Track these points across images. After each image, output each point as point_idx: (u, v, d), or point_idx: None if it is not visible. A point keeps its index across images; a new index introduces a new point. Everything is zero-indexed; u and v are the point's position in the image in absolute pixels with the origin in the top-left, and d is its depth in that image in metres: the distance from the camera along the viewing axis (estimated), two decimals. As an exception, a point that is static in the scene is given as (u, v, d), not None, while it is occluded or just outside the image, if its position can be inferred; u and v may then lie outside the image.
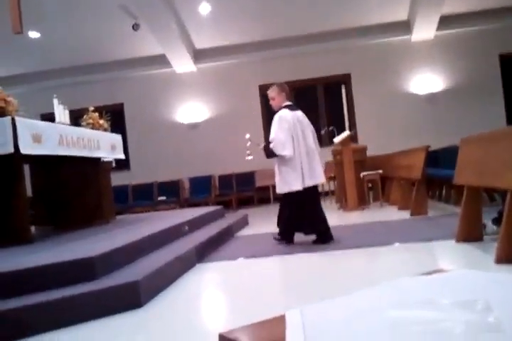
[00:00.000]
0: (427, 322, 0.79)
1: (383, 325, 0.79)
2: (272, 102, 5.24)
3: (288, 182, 5.01)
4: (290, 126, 4.97)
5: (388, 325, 0.79)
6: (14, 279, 3.08)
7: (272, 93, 5.20)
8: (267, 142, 5.15)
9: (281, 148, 4.93)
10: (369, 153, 9.12)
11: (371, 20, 11.52)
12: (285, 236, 5.28)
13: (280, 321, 0.91)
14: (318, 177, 5.10)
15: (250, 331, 0.95)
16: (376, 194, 9.01)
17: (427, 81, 11.86)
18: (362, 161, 8.69)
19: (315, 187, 5.18)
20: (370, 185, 9.33)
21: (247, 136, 5.36)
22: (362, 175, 8.37)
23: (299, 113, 5.18)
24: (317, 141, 5.29)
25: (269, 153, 5.06)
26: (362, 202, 8.31)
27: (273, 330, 0.91)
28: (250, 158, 5.35)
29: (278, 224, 5.45)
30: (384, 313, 0.83)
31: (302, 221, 5.11)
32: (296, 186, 4.97)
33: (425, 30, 11.44)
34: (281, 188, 5.11)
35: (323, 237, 5.09)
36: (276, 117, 5.05)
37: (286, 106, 5.15)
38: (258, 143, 5.30)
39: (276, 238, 5.37)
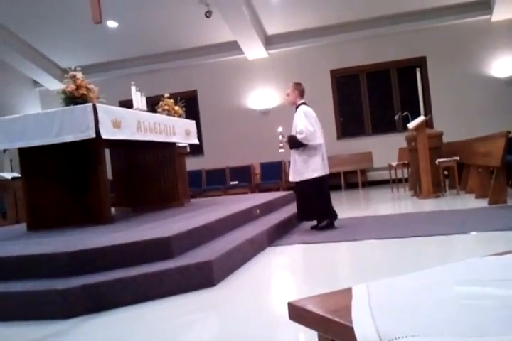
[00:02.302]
0: (496, 297, 0.79)
1: (449, 297, 0.81)
2: (286, 98, 5.83)
3: (313, 169, 5.43)
4: (316, 119, 5.53)
5: (455, 298, 0.80)
6: (97, 256, 3.28)
7: (288, 90, 5.74)
8: (290, 135, 5.56)
9: (313, 138, 5.40)
10: (445, 138, 8.82)
11: (446, 1, 11.02)
12: (326, 218, 5.58)
13: (347, 293, 0.95)
14: (327, 168, 5.62)
15: (317, 300, 1.00)
16: (452, 181, 8.73)
17: (508, 63, 11.24)
18: (437, 147, 8.42)
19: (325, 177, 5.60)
20: (446, 172, 9.04)
21: (280, 129, 5.73)
22: (437, 161, 8.13)
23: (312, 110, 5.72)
24: None
25: (296, 144, 5.49)
26: (437, 190, 8.07)
27: (339, 300, 0.95)
28: (282, 151, 5.76)
29: (302, 218, 5.73)
30: (451, 288, 0.84)
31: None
32: (320, 172, 5.45)
33: (506, 9, 10.76)
34: (302, 176, 5.47)
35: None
36: (301, 112, 5.50)
37: (305, 103, 5.63)
38: (284, 136, 5.62)
39: (319, 227, 5.58)
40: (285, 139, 5.59)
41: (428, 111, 10.87)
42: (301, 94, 5.69)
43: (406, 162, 9.43)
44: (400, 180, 10.25)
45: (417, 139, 8.07)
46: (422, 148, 7.97)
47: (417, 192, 8.33)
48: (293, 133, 5.55)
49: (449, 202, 7.33)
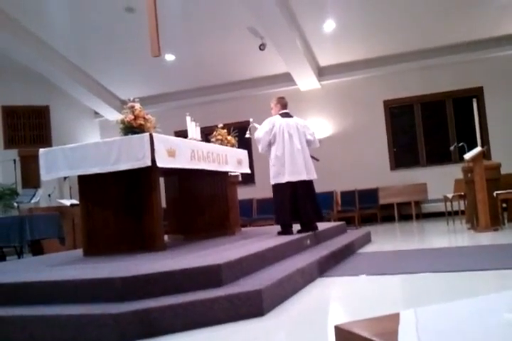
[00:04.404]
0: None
1: (499, 325, 0.79)
2: (271, 111, 6.30)
3: (273, 175, 5.89)
4: (276, 128, 5.90)
5: (505, 325, 0.78)
6: (148, 282, 3.33)
7: (271, 104, 6.33)
8: None
9: (258, 144, 6.02)
10: (504, 170, 8.54)
11: (504, 30, 10.84)
12: (285, 229, 5.86)
13: (394, 318, 0.94)
14: (301, 174, 5.87)
15: (364, 324, 0.99)
16: (511, 214, 8.40)
17: None
18: (495, 179, 8.16)
19: (296, 183, 5.89)
20: (504, 204, 8.72)
21: (251, 119, 6.67)
22: (495, 193, 7.87)
23: (291, 119, 6.12)
24: (305, 141, 6.09)
25: None
26: (495, 223, 7.78)
27: (386, 325, 0.94)
28: (248, 136, 6.64)
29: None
30: (501, 315, 0.82)
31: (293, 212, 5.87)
32: (280, 179, 5.83)
33: None
34: (271, 180, 5.96)
35: (306, 227, 5.94)
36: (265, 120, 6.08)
37: (281, 114, 6.12)
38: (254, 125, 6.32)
39: (278, 232, 5.92)
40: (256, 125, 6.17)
41: (485, 142, 10.58)
42: (283, 106, 6.21)
43: (462, 194, 9.16)
44: (456, 213, 9.95)
45: (474, 170, 7.85)
46: (479, 179, 7.74)
47: (474, 225, 8.06)
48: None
49: (508, 235, 7.04)
